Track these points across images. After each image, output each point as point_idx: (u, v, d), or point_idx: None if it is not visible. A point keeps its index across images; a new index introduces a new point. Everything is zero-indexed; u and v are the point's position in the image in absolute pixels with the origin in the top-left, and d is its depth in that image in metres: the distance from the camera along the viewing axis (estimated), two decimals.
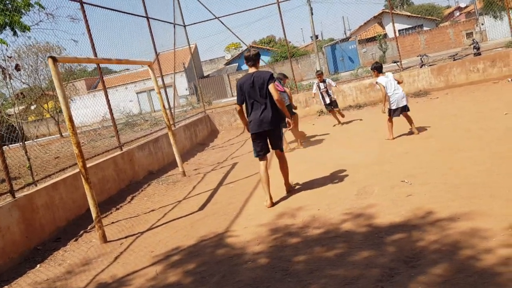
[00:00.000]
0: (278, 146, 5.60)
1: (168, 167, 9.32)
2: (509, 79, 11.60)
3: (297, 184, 6.12)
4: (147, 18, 11.72)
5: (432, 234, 3.78)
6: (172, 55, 21.84)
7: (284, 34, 14.37)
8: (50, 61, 5.23)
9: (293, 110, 8.84)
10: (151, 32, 11.71)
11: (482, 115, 8.23)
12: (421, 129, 7.96)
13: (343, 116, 10.72)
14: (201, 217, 5.60)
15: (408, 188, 5.08)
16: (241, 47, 53.71)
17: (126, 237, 5.47)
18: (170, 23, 13.55)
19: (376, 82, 7.87)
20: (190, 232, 5.06)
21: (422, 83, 12.33)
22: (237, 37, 14.25)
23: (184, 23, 14.68)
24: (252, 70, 5.46)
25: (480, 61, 12.23)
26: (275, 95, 5.28)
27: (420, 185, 5.07)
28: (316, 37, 47.29)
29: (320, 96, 10.49)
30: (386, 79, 7.72)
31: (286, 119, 5.50)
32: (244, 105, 5.58)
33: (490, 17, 31.01)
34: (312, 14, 36.88)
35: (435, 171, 5.46)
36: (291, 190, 5.88)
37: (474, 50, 13.92)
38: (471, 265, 3.15)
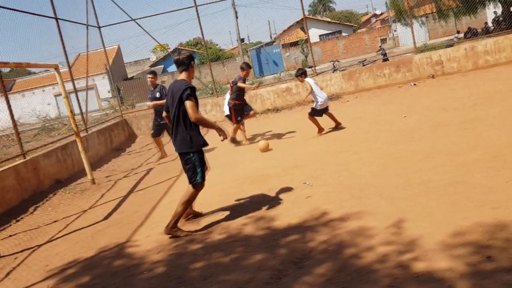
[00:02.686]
0: (188, 177, 4.65)
1: (79, 174, 8.92)
2: (412, 84, 12.49)
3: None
4: (56, 19, 11.15)
5: (323, 234, 3.97)
6: (94, 56, 20.92)
7: (203, 37, 14.38)
8: None
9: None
10: (60, 34, 11.14)
11: (383, 117, 8.79)
12: (328, 132, 8.36)
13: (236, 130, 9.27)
14: (104, 227, 5.43)
15: (308, 189, 5.29)
16: (169, 48, 52.87)
17: (22, 251, 5.16)
18: (83, 24, 13.00)
19: (305, 81, 8.42)
20: (90, 244, 4.88)
21: (334, 87, 12.90)
22: (154, 39, 14.04)
23: (98, 24, 14.15)
24: (180, 77, 4.59)
25: (386, 66, 13.05)
26: (191, 115, 4.38)
27: (319, 187, 5.30)
28: (242, 40, 47.76)
29: (225, 106, 9.54)
30: (313, 82, 8.37)
31: (219, 131, 4.66)
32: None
33: (402, 24, 33.22)
34: (237, 17, 37.27)
35: (334, 172, 5.74)
36: (169, 233, 4.57)
37: (381, 56, 14.85)
38: (352, 263, 3.35)
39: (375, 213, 4.23)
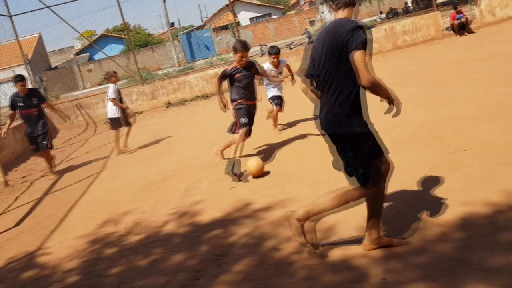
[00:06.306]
0: (356, 171, 3.05)
1: None
2: None
3: None
4: None
5: (245, 227, 3.88)
6: (13, 46, 19.28)
7: (124, 21, 13.78)
8: None
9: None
10: None
11: (304, 102, 8.84)
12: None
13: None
14: (15, 234, 5.01)
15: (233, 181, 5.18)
16: (96, 34, 50.53)
17: None
18: None
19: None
20: None
21: None
22: (72, 27, 13.53)
23: (9, 12, 13.06)
24: (336, 16, 2.97)
25: None
26: (363, 76, 2.73)
27: (244, 176, 5.20)
28: (172, 24, 46.47)
29: (108, 106, 8.26)
30: None
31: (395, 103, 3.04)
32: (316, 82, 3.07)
33: (328, 6, 33.90)
34: (164, 1, 36.10)
35: None
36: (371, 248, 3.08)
37: (307, 39, 15.01)
38: (270, 257, 3.29)
39: (296, 200, 4.21)
